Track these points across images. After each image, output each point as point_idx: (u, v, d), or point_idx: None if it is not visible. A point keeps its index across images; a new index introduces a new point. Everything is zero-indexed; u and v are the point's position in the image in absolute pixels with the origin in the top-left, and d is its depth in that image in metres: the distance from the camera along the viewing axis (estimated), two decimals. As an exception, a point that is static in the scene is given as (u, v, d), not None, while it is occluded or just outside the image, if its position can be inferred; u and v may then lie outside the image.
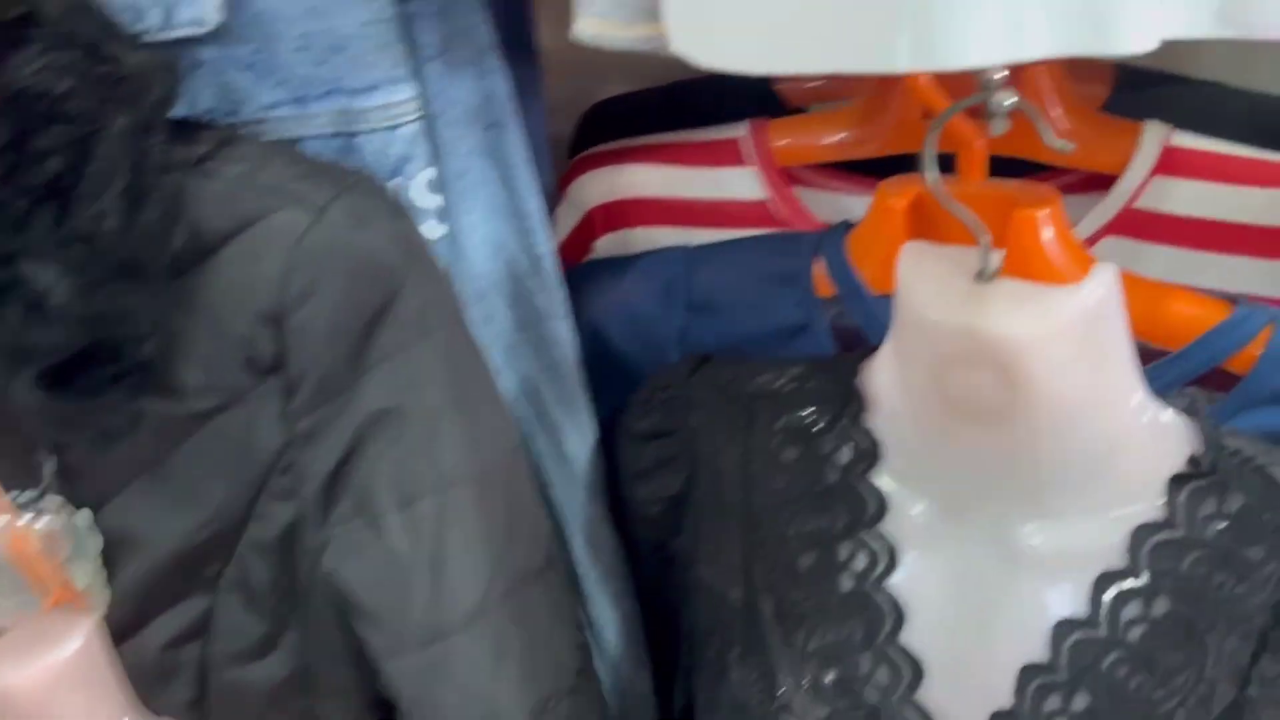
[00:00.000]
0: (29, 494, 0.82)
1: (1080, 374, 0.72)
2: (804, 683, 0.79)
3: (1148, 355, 0.78)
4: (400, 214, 0.80)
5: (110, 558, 0.82)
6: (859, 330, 0.86)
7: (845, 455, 0.81)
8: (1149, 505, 0.74)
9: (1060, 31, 0.64)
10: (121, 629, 0.83)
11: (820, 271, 0.88)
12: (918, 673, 0.77)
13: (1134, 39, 0.65)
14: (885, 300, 0.79)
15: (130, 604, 0.83)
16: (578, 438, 0.94)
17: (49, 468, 0.81)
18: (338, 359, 0.77)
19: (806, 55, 0.69)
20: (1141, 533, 0.73)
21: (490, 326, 0.91)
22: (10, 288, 0.70)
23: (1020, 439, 0.74)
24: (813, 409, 0.83)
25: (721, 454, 0.85)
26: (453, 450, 0.80)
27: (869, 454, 0.80)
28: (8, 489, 0.80)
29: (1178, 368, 0.81)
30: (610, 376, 0.95)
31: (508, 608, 0.81)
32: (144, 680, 0.84)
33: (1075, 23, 0.64)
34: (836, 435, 0.81)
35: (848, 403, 0.81)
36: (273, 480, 0.80)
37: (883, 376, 0.80)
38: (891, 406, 0.80)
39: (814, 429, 0.82)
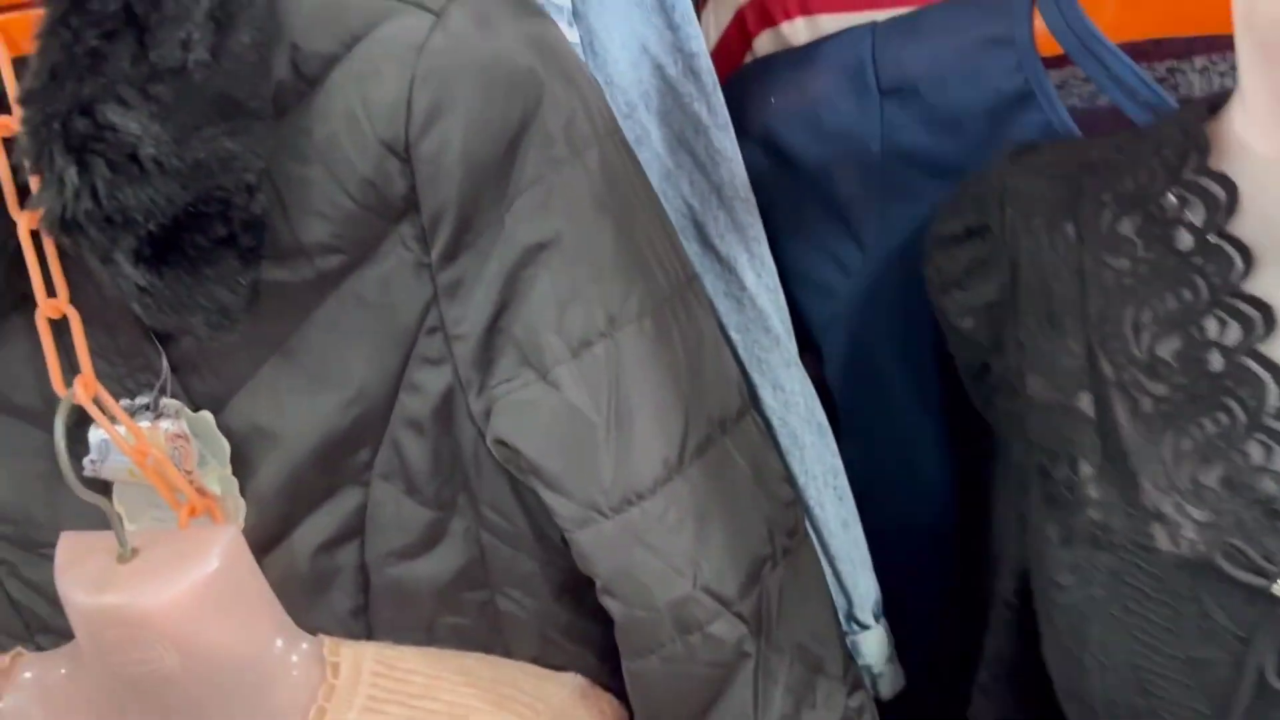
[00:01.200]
0: (143, 398, 0.74)
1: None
2: (1179, 484, 0.68)
3: None
4: (530, 10, 0.70)
5: (244, 458, 0.74)
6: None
7: (1196, 211, 0.70)
8: None
9: None
10: (266, 537, 0.75)
11: (1040, 27, 0.77)
12: None
13: None
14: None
15: (273, 507, 0.75)
16: (753, 273, 0.84)
17: (162, 364, 0.73)
18: (479, 189, 0.67)
19: None
20: None
21: (642, 149, 0.80)
22: (92, 141, 0.61)
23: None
24: (1148, 169, 0.72)
25: (1046, 246, 0.74)
26: (622, 284, 0.70)
27: (1223, 203, 0.69)
28: (117, 395, 0.72)
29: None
30: (792, 196, 0.84)
31: (705, 461, 0.72)
32: (297, 591, 0.77)
33: None
34: (1180, 190, 0.71)
35: (1189, 152, 0.71)
36: (420, 344, 0.71)
37: (1239, 120, 0.69)
38: (1242, 140, 0.69)
39: (1153, 189, 0.72)
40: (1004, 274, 0.76)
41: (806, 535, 0.80)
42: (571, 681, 0.78)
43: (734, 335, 0.84)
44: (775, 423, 0.85)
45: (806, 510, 0.85)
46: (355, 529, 0.77)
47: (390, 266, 0.69)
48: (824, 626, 0.79)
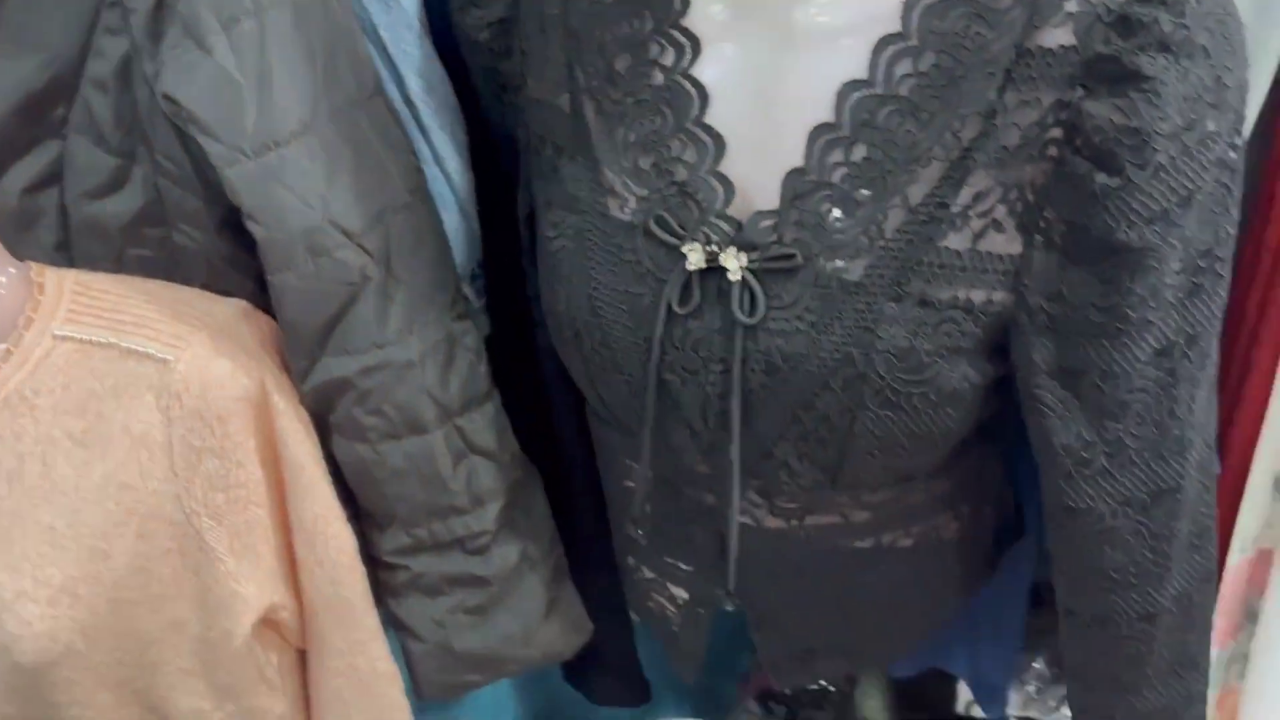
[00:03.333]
0: None
1: None
2: (625, 167, 0.91)
3: None
4: None
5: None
6: None
7: None
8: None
9: None
10: (-22, 182, 0.93)
11: None
12: (720, 146, 0.89)
13: None
14: None
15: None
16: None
17: None
18: None
19: None
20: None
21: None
22: None
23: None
24: None
25: None
26: None
27: None
28: None
29: None
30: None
31: (336, 125, 0.93)
32: (9, 228, 0.95)
33: None
34: None
35: None
36: (103, 15, 0.89)
37: None
38: None
39: None
40: None
41: (427, 195, 1.01)
42: (236, 303, 0.99)
43: (383, 33, 1.04)
44: (419, 103, 1.05)
45: (443, 171, 1.05)
46: (55, 175, 0.95)
47: (78, -49, 0.86)
48: (438, 264, 1.01)
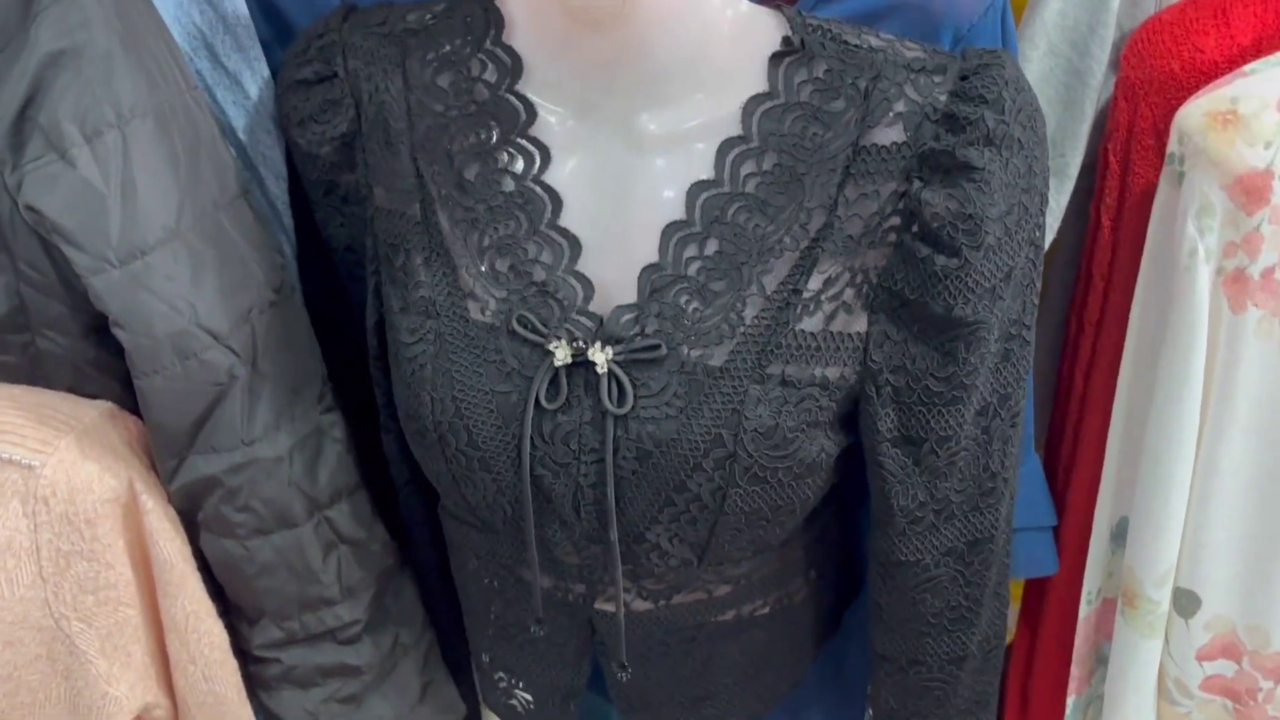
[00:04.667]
0: None
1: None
2: (483, 271, 0.95)
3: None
4: None
5: None
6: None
7: (491, 73, 0.96)
8: (756, 82, 0.92)
9: None
10: None
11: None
12: (576, 247, 0.94)
13: None
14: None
15: None
16: (255, 83, 1.06)
17: None
18: (8, 8, 0.88)
19: None
20: (751, 104, 0.92)
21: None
22: None
23: (630, 40, 0.90)
24: (459, 37, 0.97)
25: (383, 90, 0.99)
26: (130, 88, 0.92)
27: (511, 69, 0.96)
28: None
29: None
30: (279, 33, 1.08)
31: (200, 229, 0.96)
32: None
33: None
34: (482, 56, 0.96)
35: (489, 27, 0.96)
36: (-36, 129, 0.91)
37: None
38: (524, 24, 0.95)
39: (462, 54, 0.97)
40: (351, 110, 1.00)
41: (293, 291, 1.05)
42: (102, 405, 1.01)
43: (242, 136, 1.08)
44: (279, 205, 1.09)
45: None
46: (-83, 285, 0.96)
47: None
48: (305, 359, 1.04)
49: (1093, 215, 1.20)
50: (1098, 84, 1.15)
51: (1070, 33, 1.14)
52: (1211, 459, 1.12)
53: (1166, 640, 1.21)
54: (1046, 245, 1.19)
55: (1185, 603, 1.19)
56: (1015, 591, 1.41)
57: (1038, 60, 1.15)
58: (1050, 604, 1.35)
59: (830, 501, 1.04)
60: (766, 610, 1.07)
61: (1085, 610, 1.28)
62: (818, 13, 0.98)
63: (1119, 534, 1.22)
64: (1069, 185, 1.19)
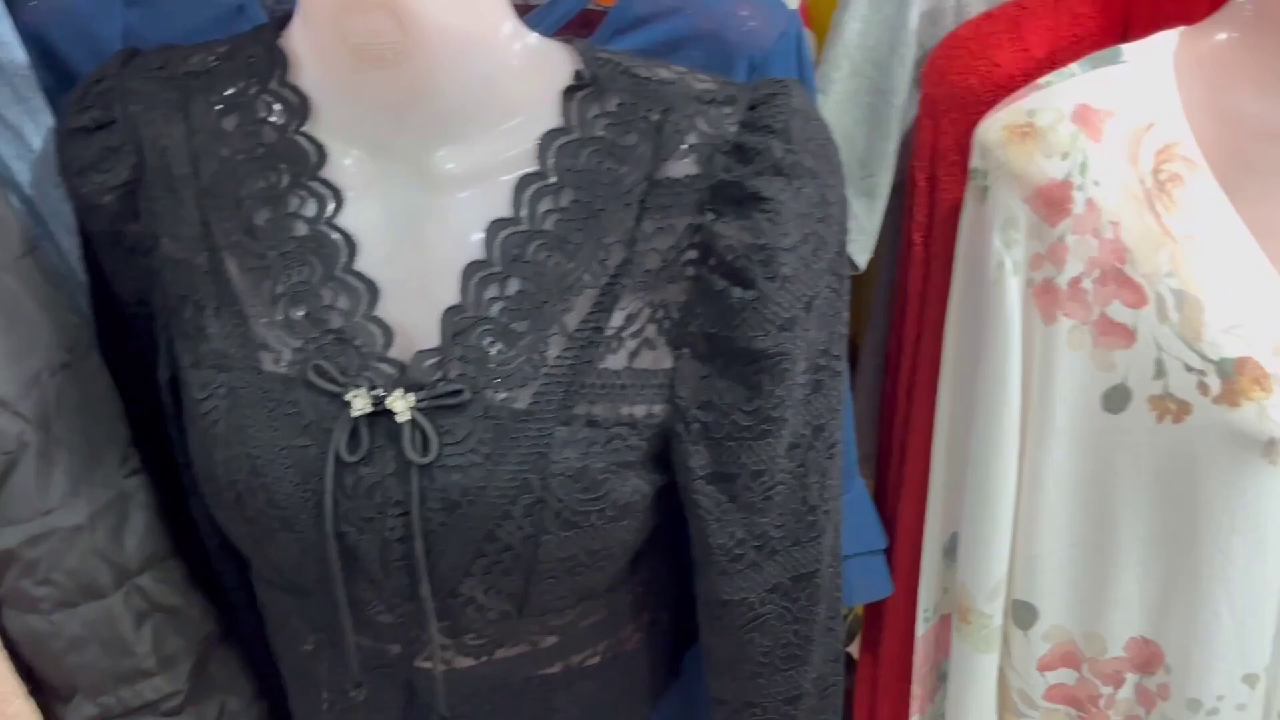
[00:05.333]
0: None
1: (458, 10, 0.87)
2: (277, 320, 0.92)
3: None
4: None
5: None
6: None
7: (279, 114, 0.94)
8: (550, 117, 0.92)
9: None
10: None
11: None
12: (374, 292, 0.92)
13: None
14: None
15: None
16: (38, 134, 1.03)
17: None
18: None
19: None
20: (547, 139, 0.91)
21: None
22: None
23: (417, 77, 0.89)
24: (243, 78, 0.95)
25: (164, 135, 0.96)
26: None
27: (299, 109, 0.93)
28: None
29: (556, 11, 0.97)
30: (61, 81, 1.03)
31: None
32: None
33: None
34: (268, 98, 0.94)
35: (274, 67, 0.94)
36: None
37: (298, 37, 0.93)
38: (309, 63, 0.93)
39: (247, 95, 0.94)
40: (132, 158, 0.96)
41: (90, 351, 1.01)
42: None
43: (29, 191, 1.03)
44: (73, 261, 1.05)
45: None
46: None
47: None
48: (105, 421, 1.00)
49: (904, 233, 1.21)
50: (902, 103, 1.16)
51: (872, 53, 1.16)
52: (1035, 470, 1.14)
53: (1009, 653, 1.22)
54: (864, 265, 1.21)
55: (1023, 614, 1.20)
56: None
57: (841, 82, 1.16)
58: (889, 625, 1.35)
59: (657, 543, 1.03)
60: (597, 660, 1.05)
61: (923, 628, 1.29)
62: (614, 44, 0.98)
63: (950, 550, 1.24)
64: (881, 205, 1.21)
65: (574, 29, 1.03)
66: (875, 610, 1.39)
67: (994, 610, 1.19)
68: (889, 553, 1.31)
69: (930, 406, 1.21)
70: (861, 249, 1.21)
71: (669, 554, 1.09)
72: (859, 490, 1.26)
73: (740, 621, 1.00)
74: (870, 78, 1.16)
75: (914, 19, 1.14)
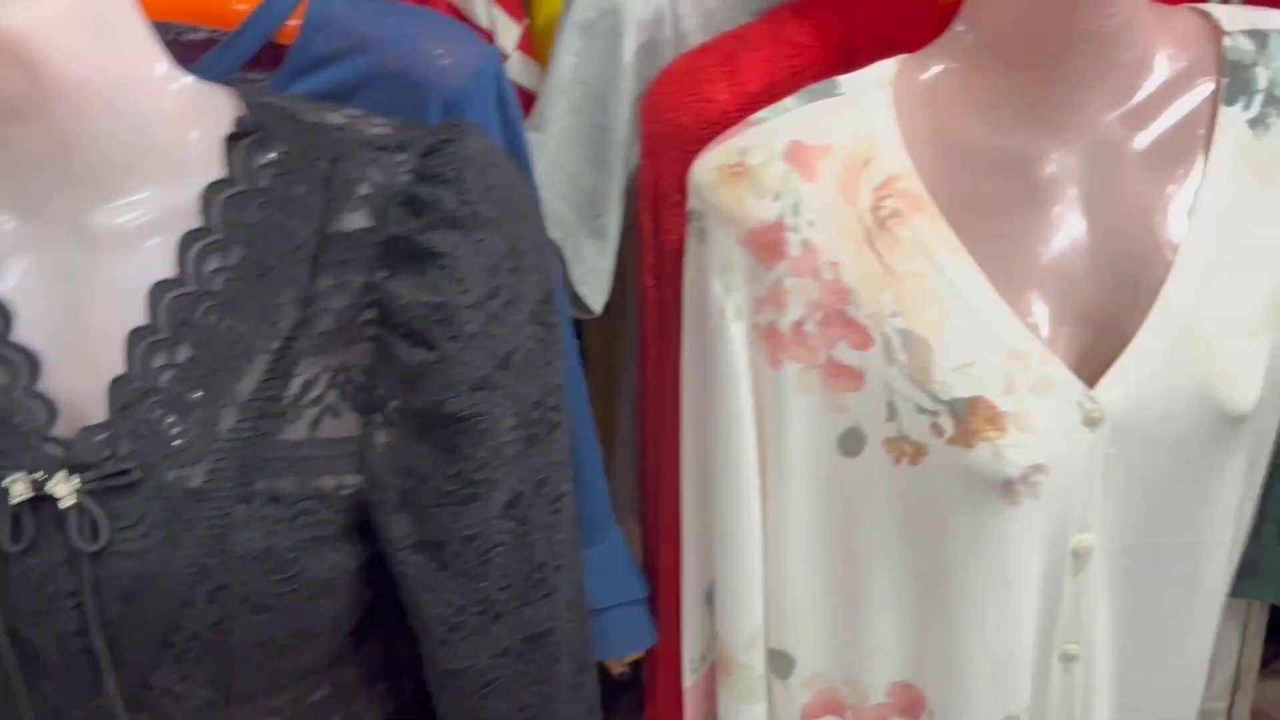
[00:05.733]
0: None
1: (96, 56, 0.81)
2: None
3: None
4: None
5: None
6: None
7: None
8: (213, 167, 0.86)
9: None
10: None
11: None
12: (34, 364, 0.85)
13: None
14: None
15: None
16: None
17: None
18: None
19: None
20: (210, 192, 0.85)
21: None
22: None
23: (60, 130, 0.82)
24: None
25: None
26: None
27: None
28: None
29: (236, 49, 0.91)
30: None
31: None
32: None
33: None
34: None
35: None
36: None
37: None
38: None
39: None
40: None
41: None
42: None
43: None
44: None
45: None
46: None
47: None
48: None
49: (637, 276, 1.17)
50: (623, 140, 1.12)
51: (589, 88, 1.11)
52: (778, 517, 1.10)
53: (771, 703, 1.18)
54: (598, 308, 1.17)
55: (780, 663, 1.16)
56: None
57: (559, 119, 1.11)
58: (661, 676, 1.31)
59: (386, 613, 0.96)
60: None
61: (690, 679, 1.25)
62: (293, 87, 0.92)
63: (711, 598, 1.19)
64: (611, 246, 1.16)
65: (267, 66, 0.97)
66: (651, 660, 1.34)
67: (753, 660, 1.15)
68: (656, 601, 1.26)
69: (677, 453, 1.17)
70: (595, 291, 1.16)
71: (403, 620, 1.02)
72: (615, 540, 1.22)
73: (471, 689, 0.94)
74: (589, 115, 1.12)
75: (629, 53, 1.10)
